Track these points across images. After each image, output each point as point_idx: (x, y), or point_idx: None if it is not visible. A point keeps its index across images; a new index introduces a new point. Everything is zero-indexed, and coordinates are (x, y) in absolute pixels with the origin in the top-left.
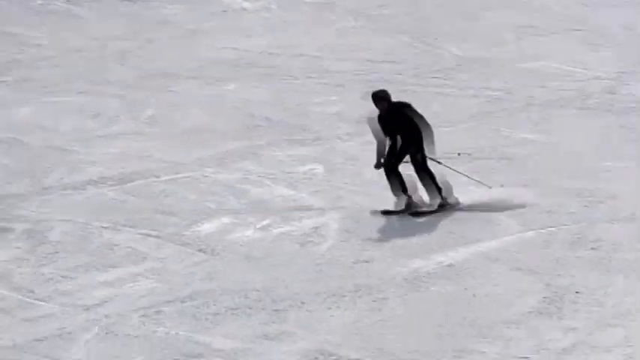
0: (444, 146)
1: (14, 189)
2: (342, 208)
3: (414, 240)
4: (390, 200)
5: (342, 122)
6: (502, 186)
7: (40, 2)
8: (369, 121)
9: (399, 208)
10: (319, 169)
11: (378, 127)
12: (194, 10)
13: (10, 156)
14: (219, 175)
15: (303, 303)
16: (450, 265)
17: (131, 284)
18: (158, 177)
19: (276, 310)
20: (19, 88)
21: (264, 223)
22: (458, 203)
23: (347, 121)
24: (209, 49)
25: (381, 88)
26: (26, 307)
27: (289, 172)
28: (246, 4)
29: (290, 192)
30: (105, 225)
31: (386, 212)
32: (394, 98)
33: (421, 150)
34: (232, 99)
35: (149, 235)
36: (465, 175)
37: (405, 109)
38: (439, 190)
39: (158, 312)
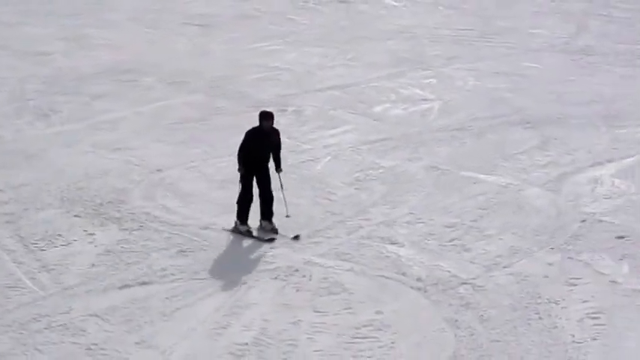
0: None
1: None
2: (442, 99)
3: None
4: None
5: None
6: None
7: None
8: (247, 133)
9: (247, 233)
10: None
11: (249, 139)
12: (375, 6)
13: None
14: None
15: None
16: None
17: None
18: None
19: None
20: None
21: None
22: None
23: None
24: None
25: (269, 109)
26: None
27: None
28: (394, 3)
29: (419, 91)
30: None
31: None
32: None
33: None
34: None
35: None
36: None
37: (277, 134)
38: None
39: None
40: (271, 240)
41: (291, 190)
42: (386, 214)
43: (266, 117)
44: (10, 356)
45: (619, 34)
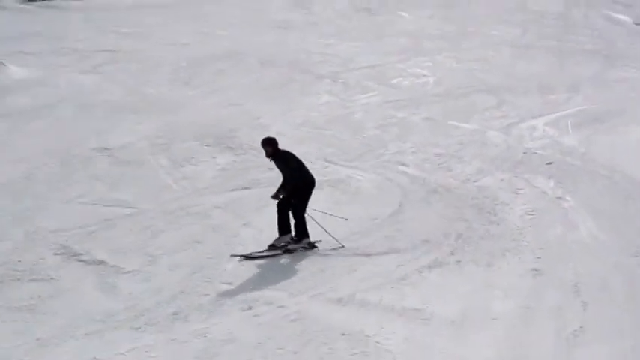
0: None
1: None
2: (435, 76)
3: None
4: None
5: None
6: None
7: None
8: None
9: (279, 244)
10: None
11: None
12: (391, 16)
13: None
14: None
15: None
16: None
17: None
18: None
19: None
20: None
21: None
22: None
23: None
24: (401, 28)
25: (272, 136)
26: None
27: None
28: (403, 14)
29: (420, 70)
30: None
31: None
32: None
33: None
34: None
35: None
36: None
37: (284, 155)
38: (305, 233)
39: None
40: (274, 247)
41: (339, 129)
42: (399, 147)
43: (262, 146)
44: (166, 231)
45: (550, 36)
